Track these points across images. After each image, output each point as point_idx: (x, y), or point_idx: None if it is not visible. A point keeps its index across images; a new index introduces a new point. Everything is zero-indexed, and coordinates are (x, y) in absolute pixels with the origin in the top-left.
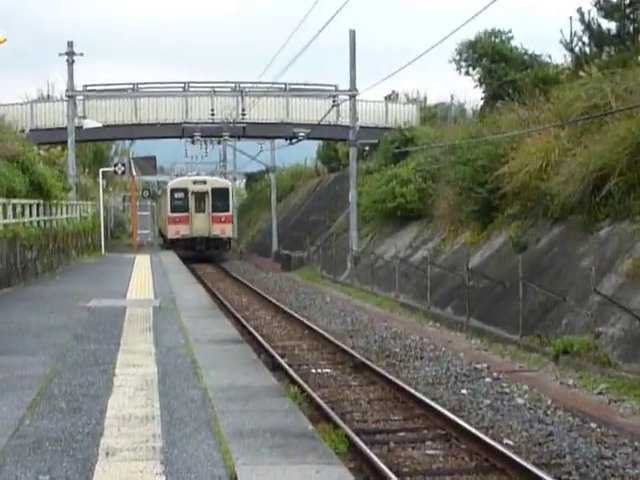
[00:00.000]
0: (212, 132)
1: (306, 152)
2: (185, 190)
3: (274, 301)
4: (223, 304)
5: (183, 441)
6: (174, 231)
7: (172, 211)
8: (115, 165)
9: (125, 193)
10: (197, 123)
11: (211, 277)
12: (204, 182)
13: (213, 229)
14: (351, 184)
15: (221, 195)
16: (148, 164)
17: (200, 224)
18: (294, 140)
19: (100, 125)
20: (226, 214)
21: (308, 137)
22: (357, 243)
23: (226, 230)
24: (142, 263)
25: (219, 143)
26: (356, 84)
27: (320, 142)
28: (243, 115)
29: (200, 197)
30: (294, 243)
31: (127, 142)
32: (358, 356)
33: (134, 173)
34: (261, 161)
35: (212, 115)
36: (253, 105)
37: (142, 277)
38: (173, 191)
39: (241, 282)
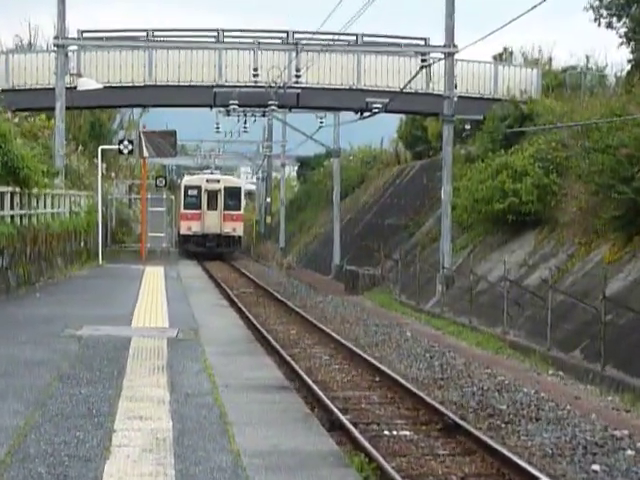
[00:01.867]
0: (254, 100)
1: (383, 130)
2: (198, 188)
3: (334, 335)
4: (264, 337)
5: None
6: (186, 227)
7: (185, 208)
8: (120, 142)
9: (133, 181)
10: (234, 87)
11: (248, 299)
12: (217, 181)
13: (224, 227)
14: (444, 176)
15: (233, 194)
16: (165, 142)
17: (212, 221)
18: (367, 113)
19: (100, 86)
20: (237, 212)
21: (386, 109)
22: (450, 258)
23: (237, 228)
24: (154, 278)
25: (263, 115)
26: (454, 38)
27: (402, 117)
28: (297, 77)
29: (213, 195)
30: (363, 256)
31: (137, 111)
32: (449, 414)
33: (146, 154)
34: (320, 141)
35: (255, 76)
36: (311, 64)
37: (154, 297)
38: (187, 188)
39: (289, 307)
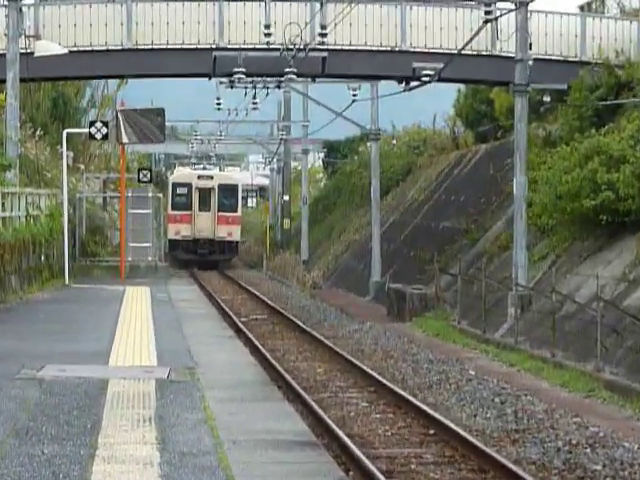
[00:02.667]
0: (266, 67)
1: (436, 105)
2: (189, 185)
3: (374, 374)
4: (282, 377)
5: None
6: (174, 231)
7: (173, 209)
8: (91, 124)
9: (108, 175)
10: (239, 50)
11: (260, 328)
12: (210, 177)
13: (218, 230)
14: (517, 164)
15: (229, 193)
16: (150, 123)
17: (204, 224)
18: (414, 83)
19: (65, 51)
20: (234, 214)
21: (439, 78)
22: (526, 272)
23: (233, 232)
24: (137, 301)
25: (278, 87)
26: None
27: (461, 87)
28: (323, 37)
29: (205, 194)
30: (411, 270)
31: (113, 83)
32: (527, 477)
33: (125, 139)
34: (353, 120)
35: (267, 36)
36: (341, 19)
37: (137, 326)
38: (175, 186)
39: (314, 338)
